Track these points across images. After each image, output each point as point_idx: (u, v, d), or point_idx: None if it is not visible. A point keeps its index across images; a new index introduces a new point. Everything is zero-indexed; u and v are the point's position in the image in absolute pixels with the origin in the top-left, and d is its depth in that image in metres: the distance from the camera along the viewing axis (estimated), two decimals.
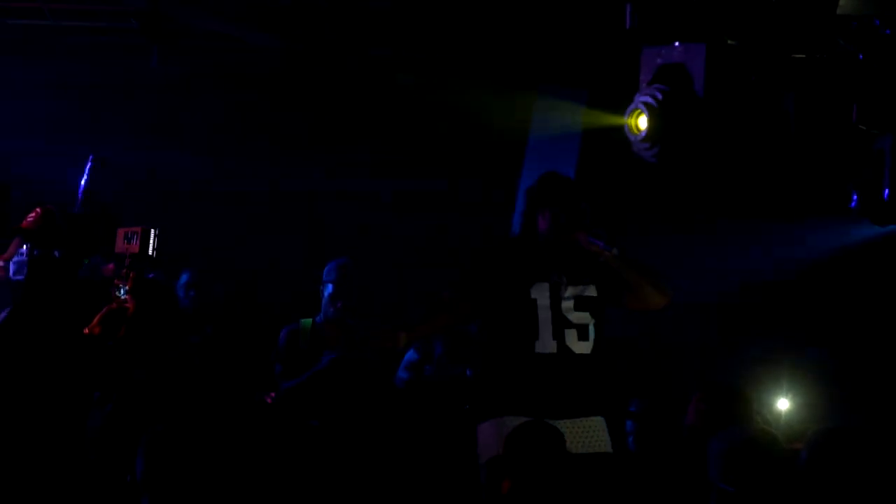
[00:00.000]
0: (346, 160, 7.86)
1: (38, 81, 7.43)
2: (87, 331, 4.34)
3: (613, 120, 4.81)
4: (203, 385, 6.19)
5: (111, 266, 4.86)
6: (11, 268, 4.23)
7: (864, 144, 4.89)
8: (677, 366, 7.22)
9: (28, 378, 4.06)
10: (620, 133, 4.74)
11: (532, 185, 4.93)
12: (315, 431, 6.12)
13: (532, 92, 7.37)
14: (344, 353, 6.20)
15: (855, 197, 4.95)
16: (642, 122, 4.62)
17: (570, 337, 4.73)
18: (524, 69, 7.10)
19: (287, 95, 7.62)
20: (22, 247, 4.23)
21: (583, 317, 4.76)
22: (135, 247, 4.50)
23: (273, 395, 6.24)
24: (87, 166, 4.40)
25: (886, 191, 4.74)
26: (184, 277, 6.59)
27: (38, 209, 4.71)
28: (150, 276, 4.55)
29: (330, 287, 6.33)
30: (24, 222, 4.66)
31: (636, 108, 4.65)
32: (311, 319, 6.40)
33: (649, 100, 4.61)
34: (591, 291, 4.80)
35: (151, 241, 4.53)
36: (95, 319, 4.41)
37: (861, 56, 4.74)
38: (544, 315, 4.72)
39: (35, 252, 4.12)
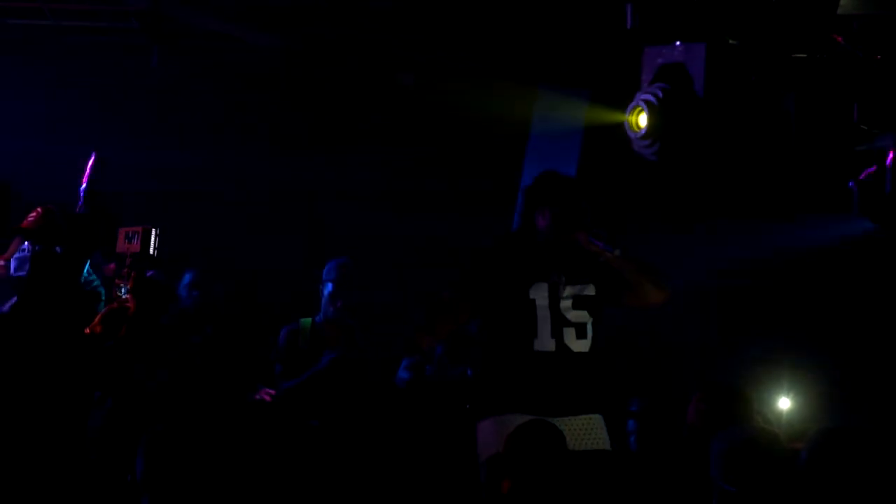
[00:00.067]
0: (346, 160, 7.86)
1: (39, 81, 7.44)
2: (88, 330, 4.35)
3: (615, 117, 4.81)
4: (204, 385, 6.20)
5: (112, 266, 4.87)
6: (13, 264, 4.23)
7: (864, 144, 4.89)
8: (678, 365, 7.22)
9: (28, 374, 4.05)
10: (622, 131, 4.75)
11: (530, 184, 4.93)
12: (315, 431, 6.12)
13: (533, 90, 7.37)
14: (344, 353, 6.21)
15: (855, 196, 4.95)
16: (642, 119, 4.63)
17: (569, 335, 4.73)
18: (525, 68, 7.10)
19: (287, 95, 7.62)
20: (23, 244, 4.24)
21: (581, 315, 4.77)
22: (136, 246, 4.50)
23: (271, 392, 6.23)
24: (89, 165, 4.40)
25: (887, 189, 4.74)
26: (187, 278, 6.59)
27: (38, 208, 4.71)
28: (150, 274, 4.54)
29: (330, 286, 6.33)
30: (25, 222, 4.66)
31: (637, 106, 4.66)
32: (310, 319, 6.40)
33: (650, 98, 4.61)
34: (590, 291, 4.80)
35: (152, 241, 4.53)
36: (97, 319, 4.41)
37: (862, 55, 4.74)
38: (543, 314, 4.72)
39: (37, 248, 4.12)
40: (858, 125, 4.86)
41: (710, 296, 7.45)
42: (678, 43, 4.76)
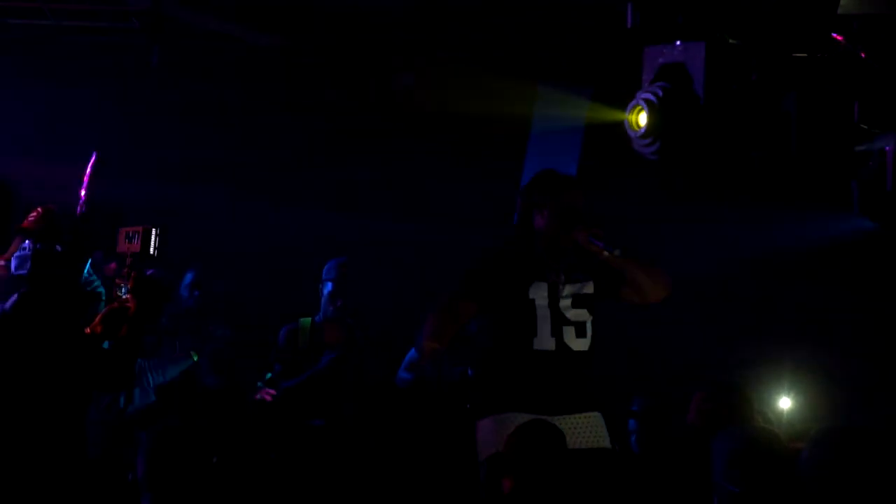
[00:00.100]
0: (346, 159, 7.86)
1: (39, 81, 7.43)
2: (88, 330, 4.35)
3: (616, 115, 4.82)
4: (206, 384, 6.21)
5: (113, 265, 4.87)
6: (13, 262, 4.23)
7: (865, 143, 4.89)
8: (678, 365, 7.22)
9: (29, 372, 4.06)
10: (623, 129, 4.75)
11: (528, 183, 4.94)
12: (315, 431, 6.12)
13: (534, 89, 7.37)
14: (343, 353, 6.20)
15: (856, 195, 4.95)
16: (642, 118, 4.63)
17: (569, 334, 4.74)
18: (526, 67, 7.10)
19: (288, 95, 7.62)
20: (24, 243, 4.24)
21: (580, 314, 4.78)
22: (136, 246, 4.50)
23: (272, 392, 6.23)
24: (89, 165, 4.40)
25: (888, 188, 4.74)
26: (188, 277, 6.60)
27: (38, 208, 4.71)
28: (149, 272, 4.54)
29: (329, 285, 6.33)
30: (25, 222, 4.67)
31: (637, 105, 4.66)
32: (310, 319, 6.40)
33: (650, 96, 4.61)
34: (589, 289, 4.81)
35: (152, 241, 4.53)
36: (97, 319, 4.41)
37: (862, 55, 4.74)
38: (542, 313, 4.73)
39: (38, 246, 4.13)
40: (859, 125, 4.86)
41: (710, 295, 7.45)
42: (678, 42, 4.76)
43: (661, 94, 4.60)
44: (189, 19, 6.95)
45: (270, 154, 7.83)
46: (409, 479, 6.18)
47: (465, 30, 6.92)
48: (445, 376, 6.32)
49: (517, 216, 4.91)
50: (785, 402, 6.25)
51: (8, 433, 4.05)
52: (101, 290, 5.15)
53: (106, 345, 4.37)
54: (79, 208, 4.33)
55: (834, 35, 4.77)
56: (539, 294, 4.74)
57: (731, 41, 4.78)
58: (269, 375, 6.30)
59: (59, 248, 4.14)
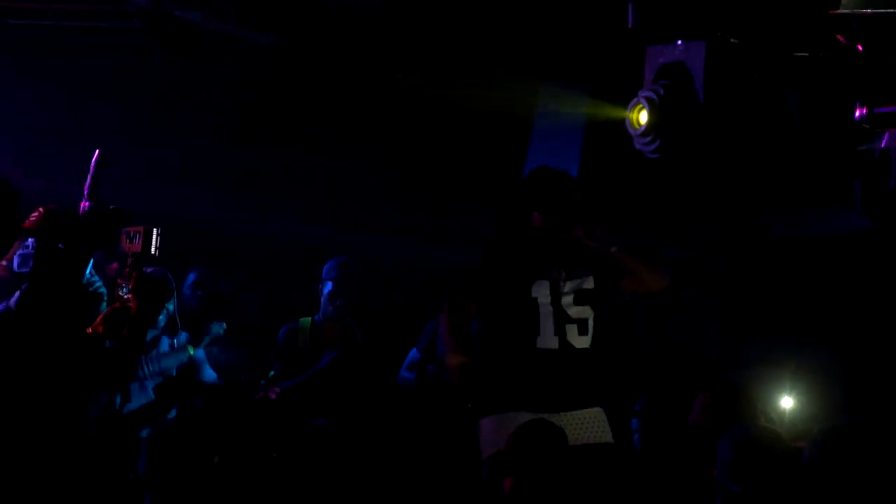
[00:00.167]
0: (347, 158, 7.86)
1: (40, 81, 7.42)
2: (90, 330, 4.35)
3: (617, 113, 4.82)
4: (209, 386, 6.21)
5: (114, 265, 4.87)
6: (16, 260, 4.24)
7: (866, 143, 4.89)
8: (680, 365, 7.21)
9: (31, 370, 4.06)
10: (624, 127, 4.76)
11: (525, 181, 4.95)
12: (316, 430, 6.12)
13: (535, 88, 7.37)
14: (344, 353, 6.20)
15: (858, 194, 4.95)
16: (643, 117, 4.64)
17: (571, 332, 4.76)
18: (527, 66, 7.10)
19: (288, 94, 7.62)
20: (26, 241, 4.24)
21: (582, 311, 4.80)
22: (137, 246, 4.50)
23: (276, 390, 6.22)
24: (92, 164, 4.40)
25: (891, 186, 4.74)
26: (191, 277, 6.60)
27: (40, 208, 4.71)
28: (149, 270, 4.54)
29: (330, 285, 6.34)
30: (27, 222, 4.66)
31: (638, 103, 4.66)
32: (310, 318, 6.40)
33: (651, 95, 4.62)
34: (589, 283, 4.83)
35: (154, 241, 4.53)
36: (99, 319, 4.41)
37: (863, 54, 4.74)
38: (545, 311, 4.75)
39: (41, 244, 4.13)
40: (860, 124, 4.86)
41: (713, 295, 7.44)
42: (679, 42, 4.77)
43: (661, 92, 4.60)
44: (190, 19, 6.95)
45: (271, 154, 7.83)
46: (411, 479, 6.17)
47: (467, 29, 6.92)
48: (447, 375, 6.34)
49: (516, 215, 4.92)
50: (787, 402, 6.24)
51: (9, 431, 4.05)
52: (103, 290, 5.16)
53: (107, 344, 4.37)
54: (81, 207, 4.33)
55: (835, 34, 4.77)
56: (541, 292, 4.76)
57: (732, 40, 4.78)
58: (271, 374, 6.30)
59: (61, 246, 4.14)
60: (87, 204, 4.33)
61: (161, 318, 5.81)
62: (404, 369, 6.53)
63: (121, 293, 4.51)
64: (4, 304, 4.12)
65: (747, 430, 3.91)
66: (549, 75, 7.13)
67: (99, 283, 5.19)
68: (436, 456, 6.18)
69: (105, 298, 5.11)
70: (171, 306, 5.86)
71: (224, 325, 6.24)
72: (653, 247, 4.92)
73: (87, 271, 4.59)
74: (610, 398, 4.88)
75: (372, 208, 7.92)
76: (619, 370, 6.22)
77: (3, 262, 4.57)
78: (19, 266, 4.23)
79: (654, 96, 4.61)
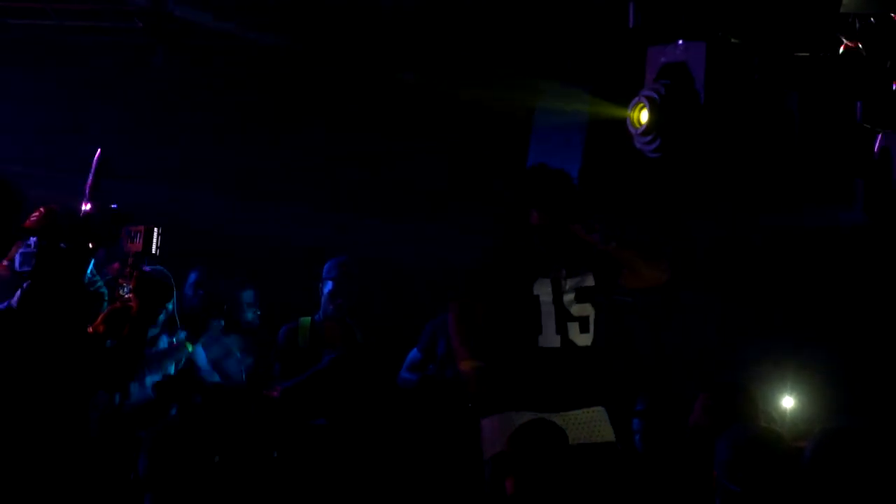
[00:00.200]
0: (347, 158, 7.86)
1: (42, 81, 7.43)
2: (91, 329, 4.34)
3: (619, 112, 4.83)
4: (208, 384, 6.21)
5: (116, 265, 4.87)
6: (17, 259, 4.23)
7: (868, 143, 4.90)
8: (681, 364, 7.21)
9: (32, 369, 4.05)
10: (625, 127, 4.77)
11: (521, 179, 4.96)
12: (317, 430, 6.12)
13: (536, 87, 7.37)
14: (344, 353, 6.20)
15: (860, 194, 4.96)
16: (644, 116, 4.65)
17: (573, 330, 4.77)
18: (529, 66, 7.10)
19: (289, 94, 7.62)
20: (28, 240, 4.24)
21: (584, 308, 4.80)
22: (138, 245, 4.50)
23: (279, 388, 6.22)
24: (94, 163, 4.40)
25: (894, 187, 4.75)
26: (192, 276, 6.60)
27: (41, 208, 4.70)
28: (148, 268, 4.54)
29: (330, 284, 6.33)
30: (28, 221, 4.65)
31: (639, 102, 4.67)
32: (310, 318, 6.40)
33: (652, 94, 4.63)
34: (589, 281, 4.83)
35: (154, 240, 4.53)
36: (99, 318, 4.41)
37: (864, 54, 4.74)
38: (547, 309, 4.75)
39: (43, 243, 4.13)
40: (862, 124, 4.87)
41: (714, 295, 7.45)
42: (680, 42, 4.77)
43: (662, 91, 4.61)
44: (191, 19, 6.95)
45: (271, 154, 7.83)
46: (412, 479, 6.17)
47: (468, 29, 6.92)
48: (448, 375, 6.35)
49: (514, 214, 4.93)
50: (788, 402, 6.24)
51: (10, 431, 4.05)
52: (104, 290, 5.16)
53: (108, 344, 4.37)
54: (83, 207, 4.33)
55: (836, 34, 4.77)
56: (543, 290, 4.76)
57: (732, 41, 4.79)
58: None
59: (63, 245, 4.14)
60: (88, 204, 4.32)
61: (160, 316, 5.81)
62: (405, 370, 6.53)
63: (122, 293, 4.51)
64: (6, 303, 4.12)
65: (745, 429, 3.91)
66: (551, 75, 7.14)
67: (100, 283, 5.19)
68: (436, 456, 6.18)
69: (106, 298, 5.11)
70: (170, 305, 5.86)
71: (222, 322, 6.24)
72: (652, 242, 4.90)
73: (88, 271, 4.58)
74: (611, 397, 4.88)
75: (372, 208, 7.91)
76: (618, 371, 6.21)
77: (5, 262, 4.57)
78: (21, 265, 4.23)
79: (655, 96, 4.62)
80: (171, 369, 6.04)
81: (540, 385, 4.69)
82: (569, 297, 4.78)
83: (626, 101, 4.74)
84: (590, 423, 4.71)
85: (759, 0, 4.79)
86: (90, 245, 4.22)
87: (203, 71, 7.50)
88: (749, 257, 7.38)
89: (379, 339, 6.44)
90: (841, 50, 4.75)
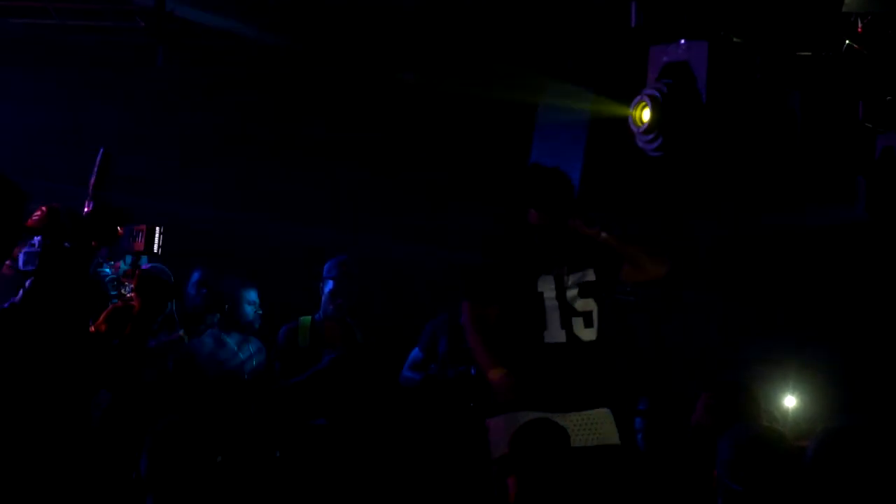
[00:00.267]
0: (348, 157, 7.86)
1: (43, 80, 7.42)
2: (93, 328, 4.34)
3: (621, 111, 4.84)
4: (209, 383, 6.20)
5: (117, 265, 4.85)
6: (21, 258, 4.23)
7: (870, 142, 4.90)
8: (682, 364, 7.22)
9: (35, 368, 4.05)
10: (627, 125, 4.78)
11: (519, 179, 4.97)
12: (318, 430, 6.12)
13: (539, 86, 7.37)
14: (344, 352, 6.20)
15: (862, 193, 4.96)
16: (646, 114, 4.65)
17: (578, 325, 4.78)
18: (531, 65, 7.10)
19: (290, 94, 7.62)
20: (32, 239, 4.24)
21: (587, 303, 4.82)
22: (140, 244, 4.50)
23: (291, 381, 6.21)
24: (97, 162, 4.40)
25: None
26: (195, 276, 6.60)
27: (43, 207, 4.70)
28: (147, 267, 4.54)
29: (330, 284, 6.33)
30: (30, 220, 4.65)
31: (641, 101, 4.68)
32: (310, 317, 6.40)
33: (654, 93, 4.64)
34: (590, 276, 4.84)
35: (156, 239, 4.53)
36: (101, 317, 4.41)
37: (866, 53, 4.75)
38: (551, 306, 4.77)
39: (47, 242, 4.13)
40: (863, 123, 4.88)
41: (716, 294, 7.45)
42: (682, 41, 4.78)
43: (664, 90, 4.62)
44: (191, 19, 6.94)
45: (271, 154, 7.83)
46: (413, 479, 6.17)
47: (469, 29, 6.92)
48: (450, 374, 6.35)
49: (513, 213, 4.94)
50: (790, 401, 6.25)
51: (11, 430, 4.05)
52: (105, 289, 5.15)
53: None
54: (86, 206, 4.33)
55: (838, 34, 4.78)
56: (547, 287, 4.78)
57: (735, 40, 4.80)
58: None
59: (66, 244, 4.14)
60: (91, 203, 4.32)
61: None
62: (407, 369, 6.53)
63: (123, 292, 4.51)
64: (10, 301, 4.12)
65: (747, 428, 3.91)
66: (553, 74, 7.14)
67: (101, 283, 5.18)
68: (437, 456, 6.18)
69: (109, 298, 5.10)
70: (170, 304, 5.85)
71: (217, 316, 6.24)
72: (652, 236, 4.91)
73: (102, 270, 4.58)
74: (615, 396, 4.88)
75: (372, 208, 7.91)
76: (620, 370, 6.21)
77: (8, 262, 4.57)
78: (25, 264, 4.22)
79: (658, 94, 4.63)
80: (169, 365, 6.03)
81: (547, 383, 4.69)
82: (572, 292, 4.80)
83: (629, 99, 4.74)
84: (595, 425, 4.71)
85: (761, 0, 4.79)
86: (93, 244, 4.21)
87: (203, 71, 7.49)
88: (751, 256, 7.38)
89: (379, 338, 6.44)
90: (842, 49, 4.76)
